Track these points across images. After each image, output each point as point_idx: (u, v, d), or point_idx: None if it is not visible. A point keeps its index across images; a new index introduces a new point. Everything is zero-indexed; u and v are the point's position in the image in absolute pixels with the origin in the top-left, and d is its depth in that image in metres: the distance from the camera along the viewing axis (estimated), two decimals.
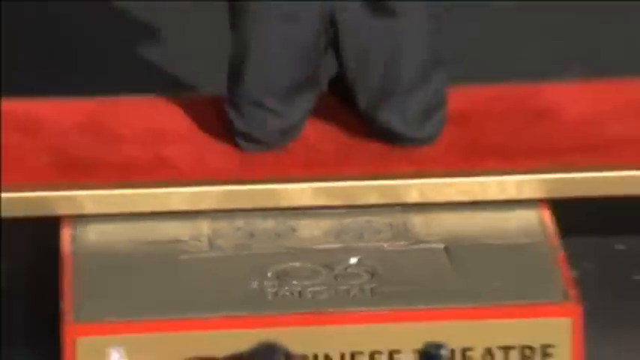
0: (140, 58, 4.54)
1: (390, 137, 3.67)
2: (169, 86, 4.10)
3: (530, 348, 3.36)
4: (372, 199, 3.59)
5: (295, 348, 3.25)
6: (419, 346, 3.12)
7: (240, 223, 3.56)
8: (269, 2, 3.67)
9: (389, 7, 3.73)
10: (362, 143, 3.74)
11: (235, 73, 3.64)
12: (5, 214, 3.59)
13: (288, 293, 3.37)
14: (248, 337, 3.23)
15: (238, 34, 3.70)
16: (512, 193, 3.63)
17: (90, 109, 3.88)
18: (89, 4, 4.86)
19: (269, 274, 3.41)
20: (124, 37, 4.62)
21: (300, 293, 3.35)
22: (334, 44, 3.67)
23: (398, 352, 3.32)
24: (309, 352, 3.29)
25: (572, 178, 3.64)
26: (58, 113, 3.92)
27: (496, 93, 3.91)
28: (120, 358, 3.34)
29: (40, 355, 3.56)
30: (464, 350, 3.32)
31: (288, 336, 3.23)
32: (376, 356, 3.36)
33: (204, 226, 3.53)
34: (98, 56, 4.46)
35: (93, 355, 3.30)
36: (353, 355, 3.33)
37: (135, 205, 3.54)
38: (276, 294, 3.35)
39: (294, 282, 3.36)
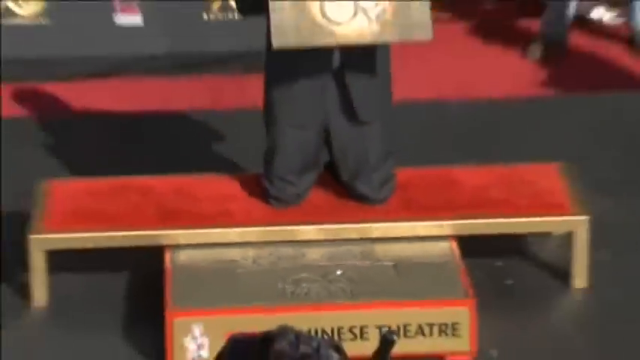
0: (213, 151, 5.80)
1: (361, 198, 4.94)
2: (230, 167, 5.28)
3: (445, 324, 4.56)
4: (351, 235, 4.88)
5: (303, 326, 4.30)
6: (379, 323, 4.51)
7: (271, 249, 4.81)
8: (287, 116, 4.89)
9: (360, 119, 4.80)
10: (344, 201, 5.01)
11: (268, 159, 4.88)
12: (130, 243, 4.84)
13: (299, 292, 4.61)
14: (276, 319, 4.15)
15: (269, 135, 4.88)
16: (434, 232, 4.90)
17: (181, 181, 5.20)
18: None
19: (288, 280, 4.64)
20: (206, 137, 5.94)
21: (307, 292, 4.62)
22: (327, 142, 4.79)
23: (366, 326, 4.51)
24: (312, 328, 4.43)
25: (471, 223, 4.94)
26: (161, 183, 5.10)
27: (424, 172, 5.19)
28: (199, 332, 4.50)
29: (152, 329, 4.70)
30: (405, 326, 4.54)
31: (300, 318, 4.37)
32: (353, 329, 4.55)
33: (250, 252, 4.77)
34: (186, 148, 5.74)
35: (182, 329, 4.48)
36: (339, 329, 4.55)
37: (209, 238, 4.79)
38: (292, 292, 4.59)
39: (304, 285, 4.61)
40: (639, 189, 5.79)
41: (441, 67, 6.45)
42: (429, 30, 4.87)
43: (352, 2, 4.82)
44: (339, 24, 4.79)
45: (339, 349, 2.54)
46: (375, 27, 4.83)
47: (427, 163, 5.28)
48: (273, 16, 4.72)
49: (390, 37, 4.85)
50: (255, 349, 2.52)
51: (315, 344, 2.51)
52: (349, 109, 4.91)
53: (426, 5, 4.93)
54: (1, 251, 5.35)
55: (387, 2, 4.84)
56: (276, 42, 4.67)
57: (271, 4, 4.71)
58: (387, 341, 2.63)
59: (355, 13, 4.79)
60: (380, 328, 4.56)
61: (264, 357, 2.49)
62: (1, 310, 5.12)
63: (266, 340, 2.51)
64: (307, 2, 4.84)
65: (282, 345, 2.50)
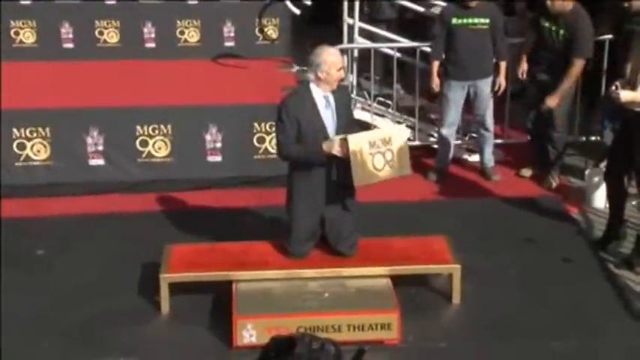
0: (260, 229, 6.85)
1: (340, 254, 5.95)
2: (268, 237, 6.23)
3: (384, 323, 5.48)
4: (332, 274, 5.84)
5: (308, 324, 5.35)
6: (348, 323, 5.39)
7: (291, 282, 5.80)
8: (303, 209, 5.81)
9: (350, 211, 5.84)
10: (329, 257, 5.95)
11: (289, 234, 5.91)
12: (214, 279, 5.76)
13: (306, 305, 5.62)
14: (294, 321, 5.36)
15: (289, 214, 5.93)
16: (378, 273, 5.85)
17: (243, 246, 6.07)
18: None
19: (300, 299, 5.66)
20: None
21: (309, 305, 5.63)
22: (322, 224, 5.89)
23: (340, 325, 5.46)
24: (313, 327, 5.37)
25: (398, 269, 5.86)
26: (232, 246, 6.07)
27: (373, 240, 6.06)
28: (250, 327, 5.43)
29: (225, 326, 5.52)
30: (362, 325, 5.43)
31: (306, 320, 5.44)
32: (334, 326, 5.44)
33: (279, 284, 5.77)
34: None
35: (241, 326, 5.45)
36: (326, 326, 5.45)
37: (256, 277, 5.83)
38: (302, 305, 5.62)
39: (308, 301, 5.64)
40: (486, 252, 6.55)
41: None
42: (410, 169, 5.85)
43: (383, 159, 5.68)
44: (379, 170, 5.69)
45: (334, 344, 2.81)
46: (391, 170, 5.73)
47: (375, 236, 6.23)
48: (354, 169, 5.52)
49: (396, 174, 5.75)
50: (285, 345, 2.78)
51: (320, 342, 2.77)
52: (341, 205, 5.84)
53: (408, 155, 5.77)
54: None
55: (396, 156, 5.69)
56: (357, 183, 5.61)
57: (353, 169, 5.50)
58: (360, 351, 2.86)
59: (385, 164, 5.72)
60: (349, 326, 5.41)
61: (291, 351, 2.74)
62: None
63: (291, 340, 2.79)
64: (367, 160, 5.61)
65: (301, 344, 2.73)
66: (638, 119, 6.19)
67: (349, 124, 5.83)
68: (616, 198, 6.59)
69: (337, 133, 5.70)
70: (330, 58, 5.63)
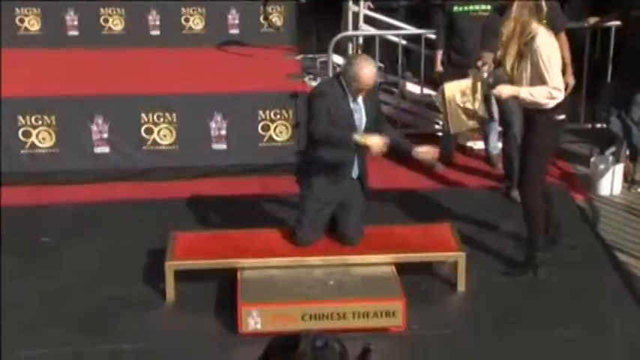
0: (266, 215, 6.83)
1: (348, 242, 5.96)
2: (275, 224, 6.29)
3: (390, 311, 5.48)
4: (337, 262, 5.86)
5: (313, 312, 5.38)
6: (354, 311, 5.37)
7: (296, 270, 5.80)
8: (317, 199, 5.84)
9: (348, 204, 5.90)
10: (334, 245, 5.95)
11: (297, 222, 5.94)
12: (219, 266, 5.76)
13: (311, 293, 5.61)
14: (298, 309, 5.40)
15: (301, 205, 5.95)
16: (383, 260, 5.86)
17: (248, 233, 6.05)
18: None
19: (304, 286, 5.66)
20: None
21: (315, 293, 5.61)
22: (335, 211, 5.95)
23: (345, 312, 5.45)
24: (319, 314, 5.41)
25: (403, 256, 5.88)
26: (237, 234, 6.06)
27: (378, 228, 6.06)
28: (256, 314, 5.41)
29: (231, 312, 5.50)
30: (367, 312, 5.41)
31: (311, 308, 5.44)
32: (339, 313, 5.44)
33: (284, 271, 5.76)
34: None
35: (247, 313, 5.44)
36: (331, 314, 5.45)
37: (262, 264, 5.81)
38: (307, 293, 5.60)
39: (313, 289, 5.63)
40: (491, 239, 6.52)
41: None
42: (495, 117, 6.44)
43: (472, 107, 5.90)
44: (469, 118, 5.91)
45: (339, 341, 2.72)
46: (480, 116, 5.99)
47: (380, 224, 6.26)
48: (449, 118, 5.83)
49: (484, 117, 6.00)
50: (288, 344, 2.68)
51: (324, 340, 2.68)
52: (354, 196, 5.88)
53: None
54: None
55: (482, 105, 5.89)
56: (453, 131, 6.04)
57: (448, 117, 5.84)
58: (366, 349, 2.79)
59: (474, 113, 5.95)
60: (354, 313, 5.39)
61: (296, 349, 2.65)
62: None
63: (294, 338, 2.69)
64: (459, 109, 5.88)
65: (304, 342, 2.65)
66: (531, 119, 5.94)
67: (378, 121, 5.85)
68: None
69: (366, 130, 5.70)
70: (366, 76, 5.60)
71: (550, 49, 5.70)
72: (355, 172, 5.84)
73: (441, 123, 8.18)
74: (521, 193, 6.09)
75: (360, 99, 5.74)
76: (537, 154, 5.90)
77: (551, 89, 5.69)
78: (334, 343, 2.68)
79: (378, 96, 6.11)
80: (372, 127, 5.76)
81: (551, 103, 5.76)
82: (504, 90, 5.79)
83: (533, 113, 5.86)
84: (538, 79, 5.71)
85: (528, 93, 5.72)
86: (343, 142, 5.65)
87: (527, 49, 5.68)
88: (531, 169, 5.93)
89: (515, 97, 5.85)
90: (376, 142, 5.58)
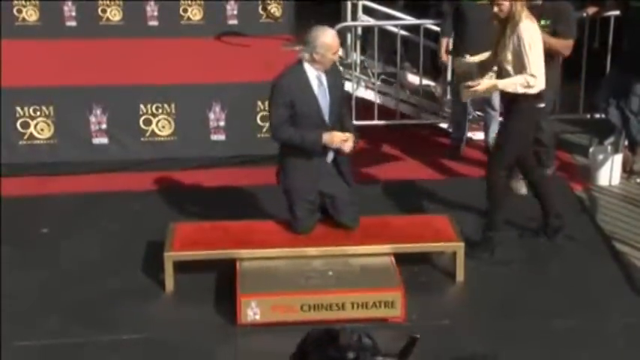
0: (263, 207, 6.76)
1: (344, 227, 5.93)
2: (272, 216, 6.24)
3: (388, 301, 5.43)
4: (336, 252, 5.81)
5: (312, 302, 5.33)
6: (352, 301, 5.35)
7: (294, 260, 5.75)
8: (299, 178, 5.76)
9: (349, 186, 5.85)
10: (334, 235, 5.93)
11: (290, 210, 5.88)
12: (217, 257, 5.71)
13: (310, 283, 5.56)
14: (297, 300, 5.35)
15: (287, 193, 5.87)
16: (381, 251, 5.82)
17: (247, 224, 6.05)
18: None
19: (303, 277, 5.61)
20: None
21: (313, 283, 5.57)
22: (322, 199, 5.92)
23: (344, 303, 5.42)
24: (318, 304, 5.38)
25: (401, 247, 5.85)
26: (236, 225, 6.00)
27: (375, 218, 6.05)
28: (254, 305, 5.37)
29: (229, 303, 5.47)
30: (366, 302, 5.37)
31: (310, 298, 5.39)
32: (337, 304, 5.41)
33: (283, 262, 5.72)
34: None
35: (246, 304, 5.40)
36: (330, 305, 5.42)
37: (260, 255, 5.77)
38: (306, 284, 5.56)
39: (312, 279, 5.59)
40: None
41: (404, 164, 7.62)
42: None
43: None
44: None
45: (370, 336, 2.87)
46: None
47: (378, 214, 6.27)
48: (460, 88, 5.98)
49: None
50: (324, 338, 2.80)
51: (357, 335, 2.82)
52: (337, 181, 5.86)
53: None
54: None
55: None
56: (463, 99, 6.22)
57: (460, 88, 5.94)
58: (412, 339, 2.94)
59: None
60: (353, 303, 5.36)
61: (333, 344, 2.78)
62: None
63: (330, 332, 2.82)
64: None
65: (344, 336, 2.79)
66: (509, 107, 6.04)
67: (341, 104, 5.83)
68: (533, 191, 6.50)
69: (331, 112, 5.69)
70: (327, 41, 5.60)
71: (532, 37, 5.80)
72: (329, 157, 5.79)
73: (442, 114, 8.26)
74: (487, 173, 6.18)
75: (324, 80, 5.68)
76: (513, 138, 6.01)
77: (528, 76, 5.80)
78: (366, 339, 2.79)
79: (341, 78, 6.05)
80: (336, 108, 5.71)
81: (530, 91, 5.84)
82: (482, 84, 5.93)
83: (514, 98, 5.93)
84: (519, 63, 5.83)
85: (505, 84, 5.89)
86: (312, 146, 5.67)
87: (512, 33, 5.79)
88: (502, 150, 6.08)
89: (495, 89, 6.02)
90: (344, 140, 5.56)
